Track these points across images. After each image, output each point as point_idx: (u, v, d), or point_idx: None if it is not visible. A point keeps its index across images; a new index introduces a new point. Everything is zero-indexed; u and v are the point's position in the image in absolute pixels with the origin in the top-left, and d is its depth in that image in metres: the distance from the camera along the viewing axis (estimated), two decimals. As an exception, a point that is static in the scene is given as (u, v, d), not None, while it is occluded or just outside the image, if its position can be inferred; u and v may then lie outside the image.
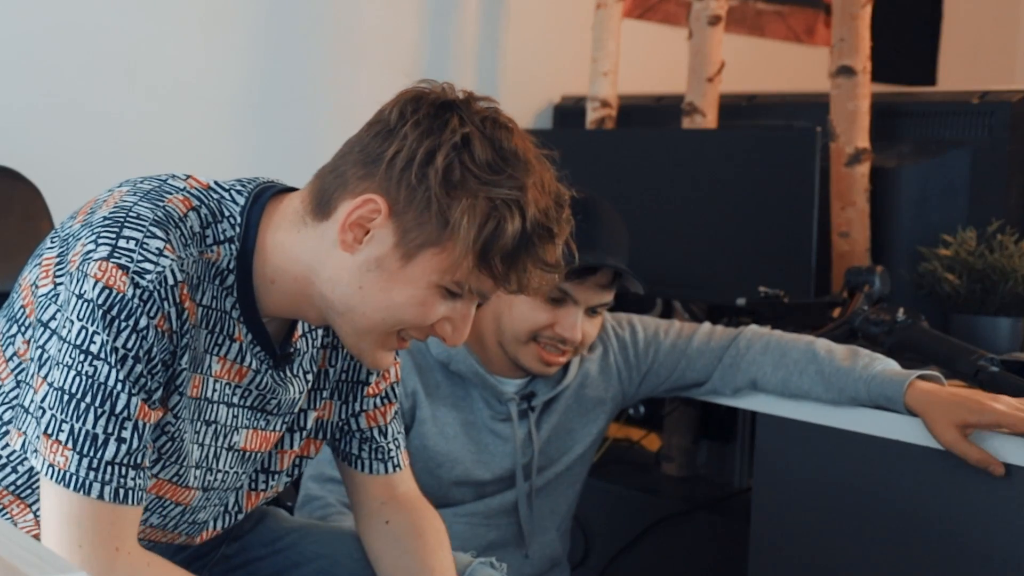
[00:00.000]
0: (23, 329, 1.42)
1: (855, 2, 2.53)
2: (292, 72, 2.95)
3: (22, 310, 1.43)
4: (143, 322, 1.34)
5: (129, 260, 1.34)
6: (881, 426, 1.94)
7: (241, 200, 1.44)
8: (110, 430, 1.34)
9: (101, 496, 1.34)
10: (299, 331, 1.54)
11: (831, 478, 2.05)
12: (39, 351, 1.38)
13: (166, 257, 1.35)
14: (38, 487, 1.45)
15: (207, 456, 1.48)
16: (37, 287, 1.41)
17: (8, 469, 1.46)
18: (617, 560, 2.72)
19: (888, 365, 1.97)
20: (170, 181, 1.45)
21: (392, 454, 1.66)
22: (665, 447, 2.96)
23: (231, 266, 1.43)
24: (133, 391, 1.34)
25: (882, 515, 1.98)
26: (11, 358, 1.44)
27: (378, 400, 1.64)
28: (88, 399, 1.33)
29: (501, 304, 2.06)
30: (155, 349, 1.35)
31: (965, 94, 2.47)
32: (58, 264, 1.40)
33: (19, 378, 1.42)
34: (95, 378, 1.33)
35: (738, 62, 3.06)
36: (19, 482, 1.46)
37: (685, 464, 2.92)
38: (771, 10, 3.75)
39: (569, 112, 3.25)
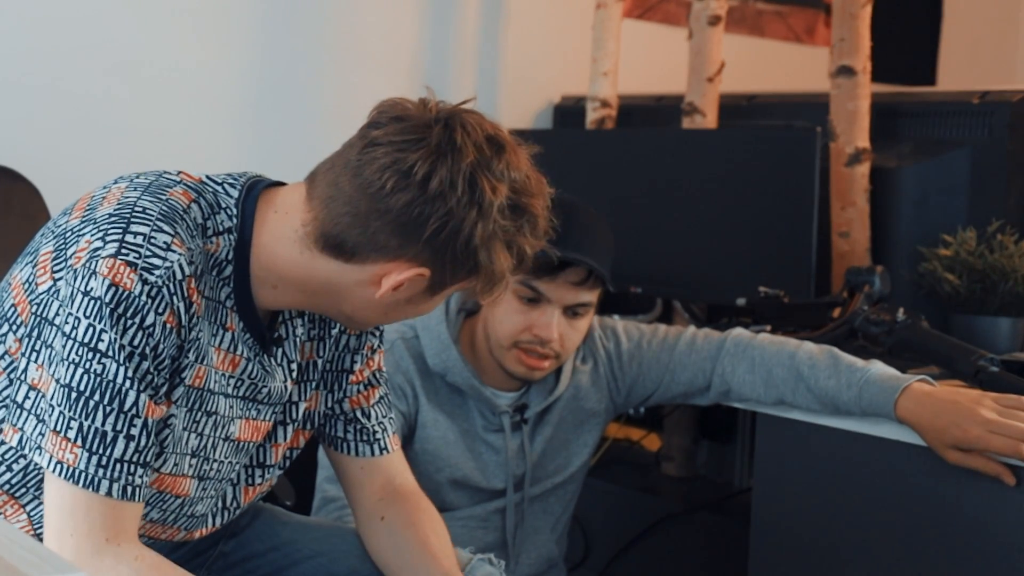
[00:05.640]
0: (14, 328, 1.42)
1: (855, 2, 2.53)
2: (293, 72, 2.95)
3: (13, 308, 1.43)
4: (150, 319, 1.34)
5: (137, 256, 1.34)
6: (881, 426, 1.94)
7: (235, 193, 1.46)
8: (119, 427, 1.35)
9: (109, 493, 1.35)
10: (280, 318, 1.55)
11: (831, 478, 2.05)
12: (46, 349, 1.38)
13: (174, 251, 1.36)
14: (33, 486, 1.45)
15: (204, 446, 1.49)
16: (35, 285, 1.41)
17: (3, 467, 1.46)
18: (617, 560, 2.72)
19: (870, 372, 1.94)
20: (165, 175, 1.46)
21: (378, 436, 1.67)
22: (665, 447, 2.96)
23: (229, 257, 1.44)
24: (141, 388, 1.35)
25: (882, 515, 1.98)
26: (2, 356, 1.44)
27: (361, 386, 1.66)
28: (96, 397, 1.34)
29: (487, 312, 2.06)
30: (162, 345, 1.36)
31: (965, 94, 2.47)
32: (56, 260, 1.39)
33: (11, 376, 1.42)
34: (103, 376, 1.34)
35: (738, 62, 3.06)
36: (13, 480, 1.46)
37: (685, 464, 2.92)
38: (771, 10, 3.75)
39: (569, 112, 3.25)
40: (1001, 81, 3.39)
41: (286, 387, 1.57)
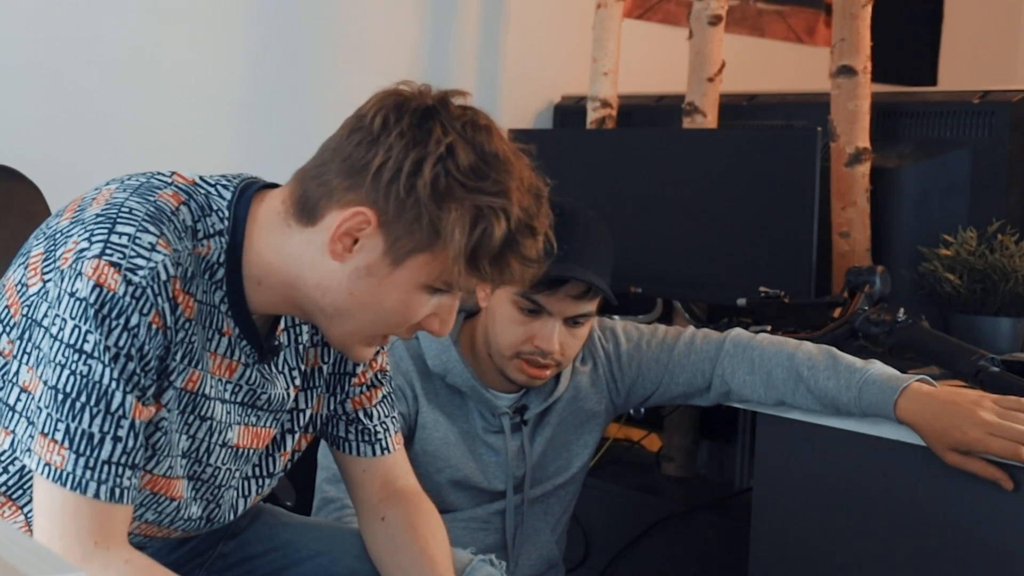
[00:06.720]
0: (7, 329, 1.42)
1: (855, 2, 2.53)
2: (293, 73, 2.95)
3: (6, 310, 1.42)
4: (135, 320, 1.34)
5: (121, 256, 1.34)
6: (881, 426, 1.94)
7: (227, 195, 1.45)
8: (106, 429, 1.34)
9: (97, 495, 1.35)
10: (282, 325, 1.54)
11: (831, 478, 2.04)
12: (34, 351, 1.37)
13: (159, 252, 1.35)
14: (29, 488, 1.45)
15: (197, 448, 1.48)
16: (26, 287, 1.40)
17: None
18: (617, 560, 2.72)
19: (869, 372, 1.93)
20: (157, 176, 1.45)
21: (379, 436, 1.66)
22: (665, 447, 2.96)
23: (221, 260, 1.43)
24: (127, 389, 1.34)
25: (882, 515, 1.98)
26: None
27: (364, 387, 1.65)
28: (83, 398, 1.33)
29: (487, 318, 2.06)
30: (148, 346, 1.35)
31: (965, 94, 2.47)
32: (45, 261, 1.39)
33: (4, 378, 1.42)
34: (89, 377, 1.33)
35: (738, 62, 3.06)
36: (10, 482, 1.46)
37: (685, 464, 2.92)
38: (771, 10, 3.75)
39: (569, 112, 3.25)
40: (1001, 81, 3.38)
41: (288, 394, 1.56)
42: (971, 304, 2.30)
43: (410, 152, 1.37)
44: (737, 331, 2.14)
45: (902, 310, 2.15)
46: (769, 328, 2.25)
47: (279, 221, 1.43)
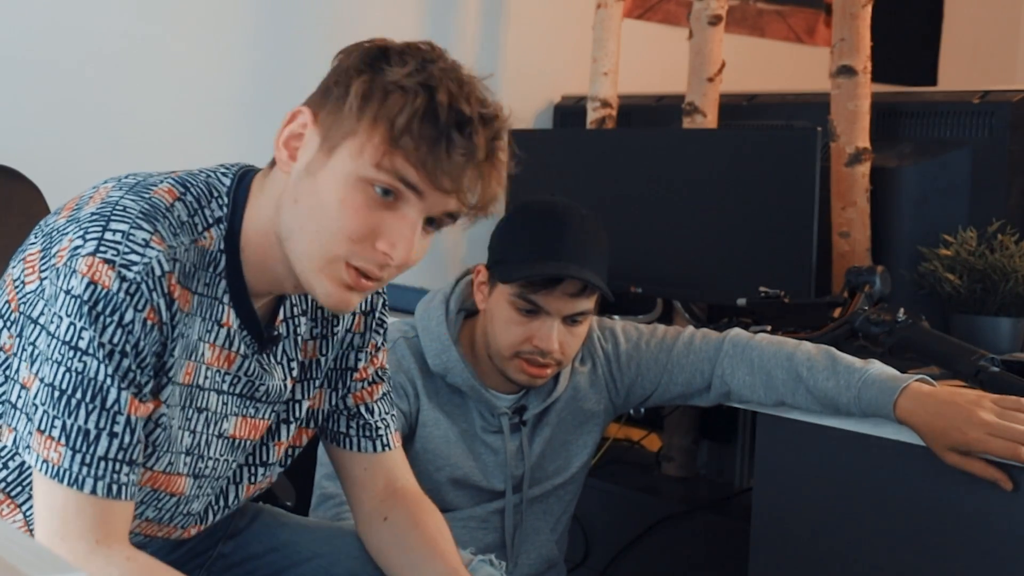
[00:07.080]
0: (8, 324, 1.42)
1: (855, 2, 2.53)
2: (293, 72, 2.95)
3: (7, 305, 1.43)
4: (129, 316, 1.34)
5: (115, 253, 1.34)
6: (881, 426, 1.94)
7: (227, 181, 1.46)
8: (102, 425, 1.35)
9: (94, 491, 1.35)
10: (281, 316, 1.55)
11: (831, 478, 2.05)
12: (30, 347, 1.38)
13: (153, 248, 1.36)
14: (28, 485, 1.45)
15: (198, 443, 1.49)
16: (24, 284, 1.41)
17: (0, 465, 1.46)
18: (617, 560, 2.72)
19: (868, 373, 1.93)
20: (153, 175, 1.46)
21: (380, 432, 1.67)
22: (665, 447, 2.96)
23: (221, 247, 1.44)
24: (123, 385, 1.35)
25: (883, 515, 1.98)
26: None
27: (365, 383, 1.66)
28: (79, 395, 1.34)
29: (486, 320, 2.07)
30: (143, 342, 1.36)
31: (965, 94, 2.47)
32: (42, 259, 1.40)
33: (6, 374, 1.43)
34: (84, 374, 1.34)
35: (738, 62, 3.06)
36: (10, 479, 1.46)
37: (685, 464, 2.92)
38: (771, 10, 3.75)
39: (569, 112, 3.25)
40: (1001, 81, 3.39)
41: (286, 385, 1.57)
42: (971, 304, 2.30)
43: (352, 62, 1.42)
44: (736, 331, 2.14)
45: (902, 310, 2.15)
46: (769, 328, 2.25)
47: (264, 183, 1.46)
